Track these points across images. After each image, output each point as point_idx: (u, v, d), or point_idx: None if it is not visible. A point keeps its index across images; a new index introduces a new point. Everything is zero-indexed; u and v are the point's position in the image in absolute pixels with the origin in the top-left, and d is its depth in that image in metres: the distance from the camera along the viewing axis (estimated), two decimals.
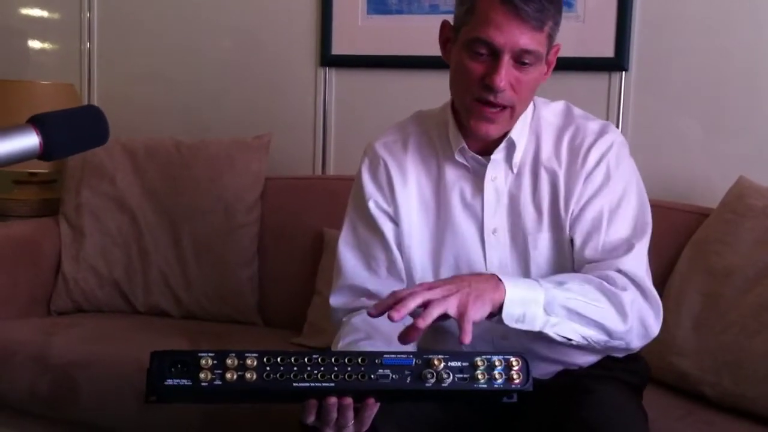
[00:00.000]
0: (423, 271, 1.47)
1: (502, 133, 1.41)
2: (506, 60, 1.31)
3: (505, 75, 1.31)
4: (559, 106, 1.50)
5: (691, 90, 2.23)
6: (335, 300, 1.50)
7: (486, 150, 1.44)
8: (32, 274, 2.40)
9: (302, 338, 2.17)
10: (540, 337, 1.32)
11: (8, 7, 3.01)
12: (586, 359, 1.48)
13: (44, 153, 0.83)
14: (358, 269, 1.49)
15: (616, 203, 1.41)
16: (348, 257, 1.50)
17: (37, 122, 0.83)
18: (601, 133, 1.43)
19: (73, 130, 0.86)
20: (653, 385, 1.69)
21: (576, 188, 1.41)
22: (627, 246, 1.38)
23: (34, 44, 3.00)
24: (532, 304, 1.25)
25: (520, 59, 1.32)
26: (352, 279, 1.49)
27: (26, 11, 3.00)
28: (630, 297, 1.33)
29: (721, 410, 1.70)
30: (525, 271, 1.44)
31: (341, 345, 1.36)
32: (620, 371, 1.47)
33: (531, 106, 1.47)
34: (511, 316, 1.24)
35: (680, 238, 1.96)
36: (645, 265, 1.40)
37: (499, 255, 1.44)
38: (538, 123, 1.46)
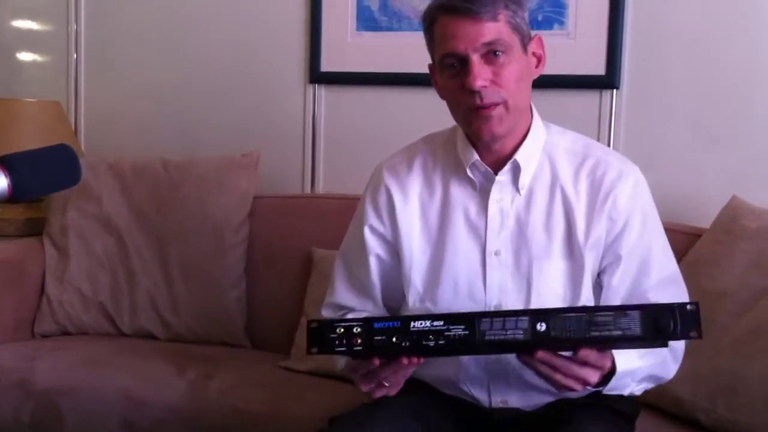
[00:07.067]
0: (422, 290, 1.47)
1: (509, 132, 1.41)
2: (475, 60, 1.34)
3: (479, 73, 1.34)
4: (576, 134, 1.51)
5: (682, 108, 2.21)
6: (325, 312, 1.60)
7: (498, 166, 1.44)
8: (16, 296, 2.36)
9: (290, 362, 2.13)
10: None
11: None
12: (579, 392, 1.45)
13: (13, 196, 0.80)
14: (344, 289, 1.57)
15: (654, 246, 1.46)
16: (339, 272, 1.59)
17: (5, 164, 0.80)
18: (623, 173, 1.44)
19: (43, 171, 0.83)
20: (648, 411, 1.66)
21: (598, 224, 1.41)
22: (678, 282, 1.48)
23: (21, 58, 2.95)
24: (628, 377, 1.35)
25: (489, 53, 1.35)
26: (338, 297, 1.58)
27: (16, 24, 2.96)
28: (683, 345, 1.45)
29: None
30: (525, 297, 1.42)
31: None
32: (611, 400, 1.45)
33: (543, 131, 1.47)
34: (609, 388, 1.34)
35: None
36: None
37: (499, 278, 1.43)
38: (551, 148, 1.46)
